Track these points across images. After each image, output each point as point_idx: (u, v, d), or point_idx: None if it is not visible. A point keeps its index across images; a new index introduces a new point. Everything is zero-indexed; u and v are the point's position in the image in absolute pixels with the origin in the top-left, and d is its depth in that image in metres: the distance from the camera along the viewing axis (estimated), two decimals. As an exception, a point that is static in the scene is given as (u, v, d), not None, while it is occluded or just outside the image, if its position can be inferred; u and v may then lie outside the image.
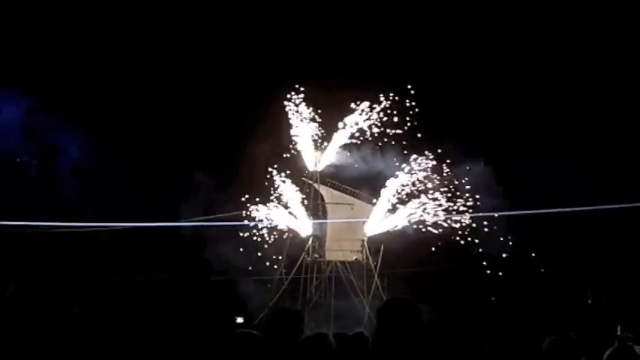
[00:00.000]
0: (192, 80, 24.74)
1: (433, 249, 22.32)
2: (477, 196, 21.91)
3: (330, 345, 4.14)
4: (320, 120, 23.31)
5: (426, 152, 22.67)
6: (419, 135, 22.67)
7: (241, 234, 22.67)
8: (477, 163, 22.32)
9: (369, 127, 23.05)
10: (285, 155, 23.33)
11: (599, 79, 23.80)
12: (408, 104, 22.71)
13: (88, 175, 24.15)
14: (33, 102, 23.44)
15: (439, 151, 22.46)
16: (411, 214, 22.50)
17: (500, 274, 22.30)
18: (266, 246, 22.87)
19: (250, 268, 22.55)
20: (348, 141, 23.38)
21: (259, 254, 22.72)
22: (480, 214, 21.95)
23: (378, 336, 4.01)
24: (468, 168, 22.11)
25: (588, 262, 23.45)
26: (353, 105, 23.05)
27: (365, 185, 23.78)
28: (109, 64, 24.43)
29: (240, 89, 24.42)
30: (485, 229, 21.52)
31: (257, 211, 22.84)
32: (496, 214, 21.04)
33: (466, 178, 22.04)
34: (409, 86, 22.70)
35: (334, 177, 24.14)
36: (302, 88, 23.13)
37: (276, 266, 23.17)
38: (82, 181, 23.71)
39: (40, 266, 22.34)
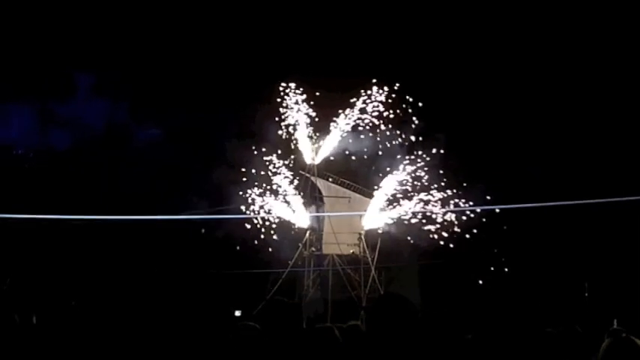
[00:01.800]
0: (189, 79, 24.73)
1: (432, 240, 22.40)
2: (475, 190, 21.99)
3: (336, 338, 4.17)
4: (316, 113, 23.35)
5: (424, 146, 22.76)
6: (416, 128, 22.74)
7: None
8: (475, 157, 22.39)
9: (366, 118, 23.11)
10: (281, 149, 23.39)
11: (597, 79, 23.83)
12: (404, 97, 22.80)
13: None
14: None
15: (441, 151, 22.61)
16: (409, 208, 22.54)
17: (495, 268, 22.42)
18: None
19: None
20: (346, 133, 23.41)
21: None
22: (478, 207, 21.95)
23: (372, 331, 4.01)
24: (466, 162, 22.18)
25: (585, 256, 23.48)
26: (350, 97, 23.12)
27: (363, 178, 23.80)
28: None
29: (236, 86, 24.40)
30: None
31: (257, 203, 22.90)
32: (496, 208, 21.05)
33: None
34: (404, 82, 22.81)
35: (331, 170, 24.15)
36: (298, 85, 23.21)
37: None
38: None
39: (37, 260, 22.32)
